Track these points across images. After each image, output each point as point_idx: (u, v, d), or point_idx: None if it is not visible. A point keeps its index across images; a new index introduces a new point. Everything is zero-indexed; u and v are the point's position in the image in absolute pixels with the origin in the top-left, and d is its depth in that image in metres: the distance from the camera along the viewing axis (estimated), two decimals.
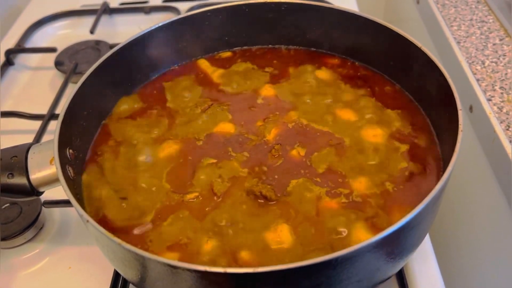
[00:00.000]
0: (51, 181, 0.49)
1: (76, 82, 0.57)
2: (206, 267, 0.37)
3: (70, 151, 0.53)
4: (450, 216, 0.81)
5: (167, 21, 0.66)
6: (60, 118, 0.51)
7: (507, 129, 0.68)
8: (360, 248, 0.38)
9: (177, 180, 0.55)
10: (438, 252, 0.64)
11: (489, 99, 0.73)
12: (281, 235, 0.48)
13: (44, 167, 0.49)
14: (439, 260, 0.62)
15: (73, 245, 0.66)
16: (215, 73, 0.69)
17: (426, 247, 0.61)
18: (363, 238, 0.46)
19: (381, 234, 0.39)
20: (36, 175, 0.50)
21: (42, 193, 0.51)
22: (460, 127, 0.47)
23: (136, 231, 0.49)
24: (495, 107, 0.71)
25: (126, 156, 0.57)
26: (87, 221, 0.42)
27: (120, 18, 1.08)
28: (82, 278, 0.62)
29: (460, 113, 0.48)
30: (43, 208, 0.66)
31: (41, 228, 0.67)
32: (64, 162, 0.50)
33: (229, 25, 0.70)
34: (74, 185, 0.52)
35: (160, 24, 0.66)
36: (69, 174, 0.50)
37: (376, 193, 0.51)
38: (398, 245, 0.43)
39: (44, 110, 0.82)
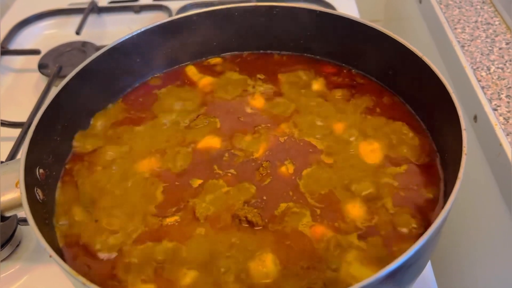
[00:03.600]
0: (16, 206, 0.45)
1: None
2: None
3: (41, 170, 0.49)
4: (452, 236, 0.77)
5: (151, 25, 0.62)
6: (29, 136, 0.47)
7: None
8: None
9: (156, 201, 0.51)
10: (438, 274, 0.60)
11: (494, 109, 0.68)
12: (265, 266, 0.44)
13: (9, 190, 0.46)
14: (438, 281, 0.58)
15: (52, 263, 0.61)
16: (202, 81, 0.65)
17: (426, 270, 0.57)
18: (356, 272, 0.42)
19: (380, 272, 0.35)
20: (1, 199, 0.45)
21: (8, 218, 0.47)
22: (464, 150, 0.43)
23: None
24: (501, 118, 0.67)
25: (103, 174, 0.53)
26: (50, 255, 0.38)
27: (108, 18, 1.03)
28: None
29: (464, 134, 0.44)
30: (18, 225, 0.62)
31: (18, 245, 0.63)
32: (32, 183, 0.46)
33: (218, 29, 0.66)
34: (44, 208, 0.48)
35: (143, 29, 0.62)
36: (38, 197, 0.46)
37: (371, 220, 0.47)
38: (397, 280, 0.39)
39: (26, 116, 0.78)
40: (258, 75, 0.65)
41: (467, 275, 0.73)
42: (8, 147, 0.73)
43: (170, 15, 1.00)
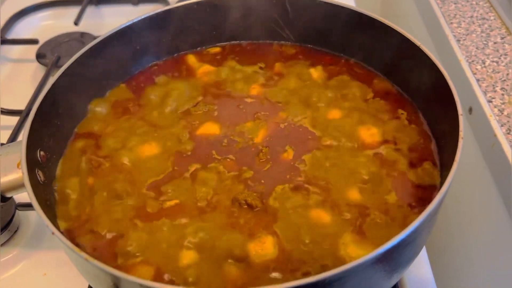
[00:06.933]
0: (18, 186, 0.46)
1: None
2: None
3: (42, 152, 0.49)
4: (446, 224, 0.78)
5: (151, 13, 0.63)
6: (30, 118, 0.47)
7: (508, 133, 0.64)
8: (352, 268, 0.35)
9: (157, 185, 0.51)
10: (433, 261, 0.61)
11: (489, 101, 0.69)
12: (265, 248, 0.44)
13: (10, 171, 0.46)
14: (434, 269, 0.59)
15: (49, 249, 0.62)
16: (202, 69, 0.65)
17: (421, 257, 0.58)
18: (353, 253, 0.43)
19: (375, 252, 0.36)
20: (2, 180, 0.46)
21: (9, 198, 0.48)
22: (461, 134, 0.44)
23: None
24: (495, 110, 0.68)
25: (103, 158, 0.54)
26: (53, 233, 0.38)
27: (106, 9, 1.03)
28: (57, 285, 0.58)
29: (461, 118, 0.45)
30: (17, 210, 0.62)
31: (15, 231, 0.63)
32: (33, 165, 0.46)
33: (217, 18, 0.66)
34: (45, 190, 0.48)
35: (143, 17, 0.62)
36: (39, 178, 0.47)
37: (368, 202, 0.48)
38: (392, 262, 0.40)
39: (24, 105, 0.78)
40: (258, 64, 0.65)
41: (462, 263, 0.74)
42: (4, 135, 0.73)
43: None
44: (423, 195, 0.49)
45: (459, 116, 0.45)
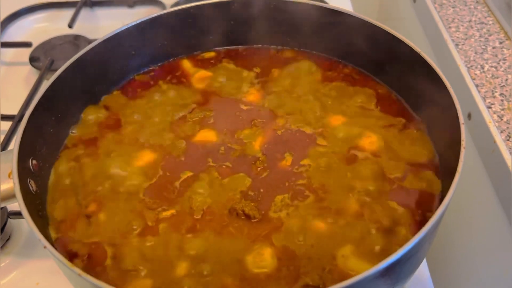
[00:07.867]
0: (9, 197, 0.44)
1: None
2: None
3: (34, 161, 0.48)
4: (445, 231, 0.77)
5: (146, 18, 0.62)
6: (22, 126, 0.46)
7: (508, 140, 0.64)
8: (353, 283, 0.34)
9: (152, 194, 0.50)
10: (432, 268, 0.60)
11: (488, 107, 0.69)
12: (263, 259, 0.43)
13: (2, 181, 0.44)
14: (433, 277, 0.59)
15: (42, 257, 0.61)
16: (198, 75, 0.64)
17: (421, 265, 0.57)
18: (353, 265, 0.42)
19: (376, 266, 0.35)
20: None
21: (0, 209, 0.46)
22: (463, 143, 0.43)
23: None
24: (495, 116, 0.67)
25: (97, 167, 0.52)
26: (45, 246, 0.37)
27: (101, 12, 1.02)
28: None
29: (462, 127, 0.44)
30: (9, 218, 0.61)
31: (8, 239, 0.62)
32: (25, 174, 0.45)
33: (214, 23, 0.65)
34: (37, 199, 0.47)
35: (138, 21, 0.61)
36: (31, 188, 0.45)
37: (367, 213, 0.47)
38: (394, 275, 0.39)
39: (16, 109, 0.77)
40: (254, 69, 0.64)
41: (462, 270, 0.74)
42: None
43: (164, 9, 0.99)
44: (424, 203, 0.48)
45: (460, 126, 0.44)
